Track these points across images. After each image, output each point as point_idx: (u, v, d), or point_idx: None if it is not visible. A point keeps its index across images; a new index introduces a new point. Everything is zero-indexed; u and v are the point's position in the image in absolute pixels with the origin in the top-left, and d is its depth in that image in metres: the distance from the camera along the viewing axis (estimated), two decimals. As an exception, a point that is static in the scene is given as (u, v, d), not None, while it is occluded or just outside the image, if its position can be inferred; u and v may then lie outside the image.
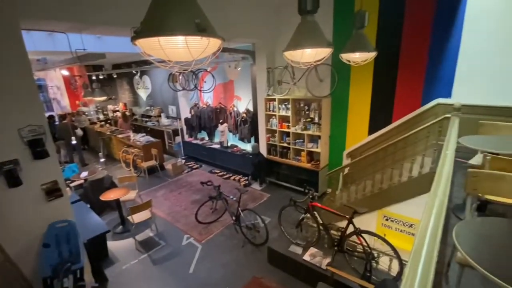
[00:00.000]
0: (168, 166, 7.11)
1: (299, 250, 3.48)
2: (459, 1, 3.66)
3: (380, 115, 4.75)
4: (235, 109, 6.74)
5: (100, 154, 7.97)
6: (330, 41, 2.15)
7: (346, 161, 5.02)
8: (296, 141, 5.51)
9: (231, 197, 4.42)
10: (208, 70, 6.67)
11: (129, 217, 4.11)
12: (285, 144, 5.70)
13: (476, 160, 2.38)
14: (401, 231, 3.88)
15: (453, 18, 3.76)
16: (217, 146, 7.24)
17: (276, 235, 3.96)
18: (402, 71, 4.39)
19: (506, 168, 1.69)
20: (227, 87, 7.08)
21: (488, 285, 1.50)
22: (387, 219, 3.96)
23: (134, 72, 9.14)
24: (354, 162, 4.38)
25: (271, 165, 5.99)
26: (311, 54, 2.22)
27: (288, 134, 5.58)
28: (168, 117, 9.15)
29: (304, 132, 5.28)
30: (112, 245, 4.28)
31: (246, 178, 6.41)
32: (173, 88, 6.67)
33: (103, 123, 9.85)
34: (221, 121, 7.12)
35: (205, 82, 7.30)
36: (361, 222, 3.66)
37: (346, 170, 4.66)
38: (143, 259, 3.97)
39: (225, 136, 7.07)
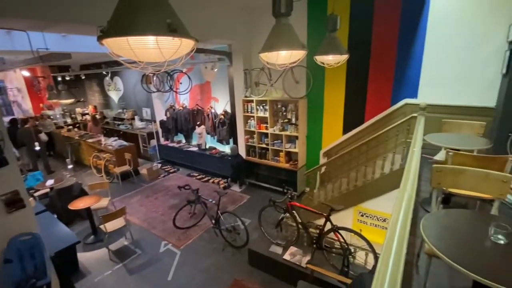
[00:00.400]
0: (143, 170, 6.85)
1: (279, 250, 3.51)
2: (421, 10, 3.92)
3: (353, 115, 4.94)
4: (213, 110, 6.66)
5: (68, 160, 7.48)
6: (304, 43, 2.20)
7: (322, 160, 5.17)
8: (275, 142, 5.56)
9: (210, 200, 4.35)
10: (183, 71, 6.53)
11: (101, 226, 3.89)
12: (263, 145, 5.73)
13: (440, 156, 2.56)
14: (375, 225, 4.06)
15: (416, 25, 4.02)
16: (195, 149, 7.10)
17: (256, 236, 3.96)
18: (372, 73, 4.61)
19: (465, 163, 1.83)
20: (203, 88, 6.98)
21: (454, 273, 1.61)
22: (362, 215, 4.13)
23: (104, 73, 8.70)
24: (330, 161, 4.51)
25: (250, 166, 5.99)
26: (286, 56, 2.25)
27: (266, 135, 5.62)
28: (142, 119, 8.82)
29: (282, 132, 5.35)
30: (83, 256, 4.02)
31: (225, 180, 6.35)
32: (147, 89, 6.44)
33: (70, 127, 9.24)
34: (198, 123, 7.00)
35: (180, 83, 7.14)
36: (338, 219, 3.77)
37: (323, 169, 4.79)
38: (117, 269, 3.77)
39: (203, 138, 6.96)
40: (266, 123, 5.52)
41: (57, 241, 3.47)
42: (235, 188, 6.08)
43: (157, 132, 8.03)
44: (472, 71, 3.75)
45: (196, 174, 6.95)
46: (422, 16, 3.95)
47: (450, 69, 3.89)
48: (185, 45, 1.25)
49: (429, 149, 3.14)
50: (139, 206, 5.53)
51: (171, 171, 7.30)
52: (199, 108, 7.01)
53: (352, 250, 3.12)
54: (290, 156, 5.59)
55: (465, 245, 1.02)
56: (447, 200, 2.37)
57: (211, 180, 6.54)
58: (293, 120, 5.25)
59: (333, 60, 3.42)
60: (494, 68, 3.60)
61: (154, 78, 6.35)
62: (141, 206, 5.51)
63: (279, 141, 5.50)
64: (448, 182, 1.64)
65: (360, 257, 3.22)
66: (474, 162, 1.85)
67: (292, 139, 5.41)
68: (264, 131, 5.58)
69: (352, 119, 4.95)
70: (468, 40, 3.68)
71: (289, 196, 3.48)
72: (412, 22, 4.05)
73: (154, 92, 6.58)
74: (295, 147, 5.37)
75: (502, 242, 0.98)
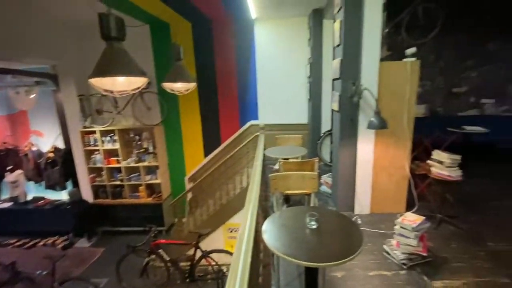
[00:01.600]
0: None
1: (148, 301, 3.01)
2: (250, 49, 4.84)
3: (211, 138, 5.24)
4: (35, 148, 5.03)
5: None
6: (151, 70, 2.10)
7: (189, 186, 5.08)
8: (131, 175, 4.90)
9: (39, 272, 3.14)
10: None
11: None
12: (117, 182, 4.91)
13: (277, 165, 3.13)
14: (243, 237, 4.36)
15: (248, 61, 4.91)
16: (9, 205, 5.02)
17: (117, 295, 3.23)
18: (221, 100, 5.12)
19: (292, 168, 2.33)
20: (16, 120, 5.18)
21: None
22: (231, 231, 4.33)
23: None
24: (194, 185, 4.50)
25: (101, 211, 4.92)
26: (124, 83, 2.05)
27: (119, 169, 4.86)
28: None
29: (139, 164, 4.81)
30: None
31: (65, 237, 4.84)
32: None
33: None
34: (10, 167, 5.04)
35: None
36: (210, 242, 3.76)
37: (190, 195, 4.70)
38: None
39: (21, 188, 5.06)
40: (117, 155, 4.79)
41: None
42: (82, 243, 4.77)
43: None
44: (291, 97, 4.99)
45: (14, 241, 4.87)
46: (251, 54, 4.87)
47: (277, 96, 4.98)
48: None
49: (273, 160, 3.80)
50: None
51: (-39, 247, 4.75)
52: (10, 147, 5.10)
53: (225, 270, 3.17)
54: (153, 189, 5.09)
55: (293, 237, 1.25)
56: (288, 200, 2.91)
57: (40, 243, 4.77)
58: (151, 149, 4.87)
59: (182, 87, 3.49)
60: (304, 95, 4.96)
61: None
62: None
63: (137, 174, 4.91)
64: (282, 186, 2.01)
65: (233, 274, 3.32)
66: (297, 167, 2.40)
67: (152, 170, 4.97)
68: (116, 165, 4.81)
69: (211, 142, 5.23)
70: (285, 74, 4.89)
71: (152, 234, 3.11)
72: (245, 59, 4.90)
73: None
74: (156, 178, 4.97)
75: (314, 226, 1.29)
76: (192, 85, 3.55)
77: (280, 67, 4.90)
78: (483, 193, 3.15)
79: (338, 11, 2.64)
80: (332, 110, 3.04)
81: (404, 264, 1.93)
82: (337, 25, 2.64)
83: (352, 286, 1.81)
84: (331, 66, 2.99)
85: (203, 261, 3.08)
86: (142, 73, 2.04)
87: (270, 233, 1.25)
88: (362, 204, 2.76)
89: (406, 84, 2.50)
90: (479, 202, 2.91)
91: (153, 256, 3.14)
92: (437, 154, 2.43)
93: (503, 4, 3.97)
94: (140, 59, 2.11)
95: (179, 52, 3.27)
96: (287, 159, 2.79)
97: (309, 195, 2.16)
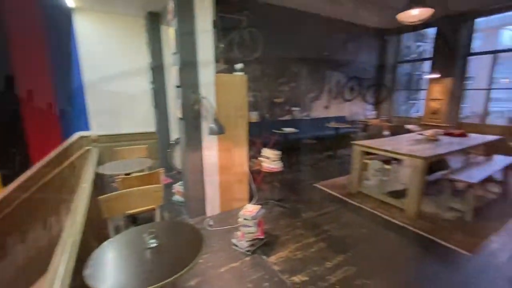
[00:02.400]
0: None
1: None
2: (70, 43, 3.90)
3: (12, 160, 3.73)
4: None
5: None
6: None
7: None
8: None
9: None
10: None
11: None
12: None
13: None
14: None
15: (69, 59, 3.94)
16: None
17: None
18: (27, 106, 3.77)
19: (134, 184, 2.05)
20: None
21: None
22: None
23: None
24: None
25: None
26: None
27: None
28: None
29: None
30: None
31: None
32: None
33: None
34: None
35: None
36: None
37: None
38: None
39: None
40: None
41: None
42: None
43: None
44: (134, 104, 4.47)
45: None
46: (73, 51, 3.95)
47: (114, 102, 4.31)
48: None
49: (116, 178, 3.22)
50: None
51: None
52: None
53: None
54: None
55: (129, 263, 1.07)
56: (135, 220, 2.56)
57: None
58: None
59: None
60: (149, 102, 4.58)
61: None
62: None
63: None
64: (120, 208, 1.72)
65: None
66: (139, 182, 2.15)
67: None
68: None
69: (11, 164, 3.72)
70: (122, 78, 4.31)
71: None
72: (64, 56, 3.90)
73: None
74: None
75: (155, 244, 1.17)
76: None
77: (115, 69, 4.29)
78: (298, 177, 4.20)
79: (172, 19, 2.63)
80: (178, 117, 3.00)
81: (248, 251, 2.19)
82: (172, 32, 2.62)
83: (207, 289, 1.84)
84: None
85: None
86: None
87: (96, 268, 1.00)
88: (213, 205, 2.91)
89: (238, 94, 2.87)
90: (296, 185, 3.85)
91: None
92: (265, 151, 2.97)
93: (300, 41, 5.51)
94: None
95: None
96: (130, 174, 2.45)
97: (155, 210, 1.99)
